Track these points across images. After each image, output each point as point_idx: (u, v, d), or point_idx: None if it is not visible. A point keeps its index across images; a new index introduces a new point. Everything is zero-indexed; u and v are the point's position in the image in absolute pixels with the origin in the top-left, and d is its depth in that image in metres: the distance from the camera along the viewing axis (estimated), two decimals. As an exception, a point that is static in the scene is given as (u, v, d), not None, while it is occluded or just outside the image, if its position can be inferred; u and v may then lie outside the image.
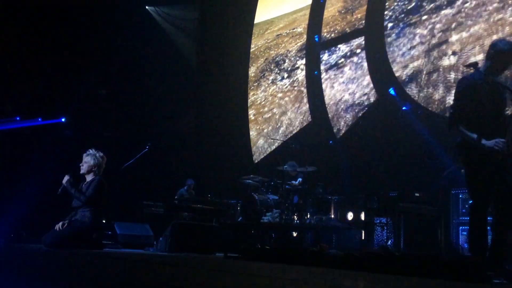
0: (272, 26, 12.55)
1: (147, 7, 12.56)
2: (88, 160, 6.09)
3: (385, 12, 9.45)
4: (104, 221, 7.40)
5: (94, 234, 5.98)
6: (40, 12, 10.37)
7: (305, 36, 11.48)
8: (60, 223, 5.85)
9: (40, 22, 10.38)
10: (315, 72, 10.63)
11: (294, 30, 11.92)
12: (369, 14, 9.69)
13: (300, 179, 8.67)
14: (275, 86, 11.91)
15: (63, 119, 10.79)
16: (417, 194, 7.11)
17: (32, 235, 7.36)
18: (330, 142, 9.82)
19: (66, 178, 5.99)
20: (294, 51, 11.76)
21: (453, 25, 8.26)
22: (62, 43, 10.64)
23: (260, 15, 12.65)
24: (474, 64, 4.30)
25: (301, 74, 11.42)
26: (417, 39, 8.84)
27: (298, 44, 11.72)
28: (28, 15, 10.13)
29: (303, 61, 11.39)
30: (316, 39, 10.85)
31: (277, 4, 12.42)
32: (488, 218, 4.25)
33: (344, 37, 10.15)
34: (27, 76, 10.27)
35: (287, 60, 11.91)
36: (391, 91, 8.86)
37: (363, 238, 7.67)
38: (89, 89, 11.29)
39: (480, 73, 4.25)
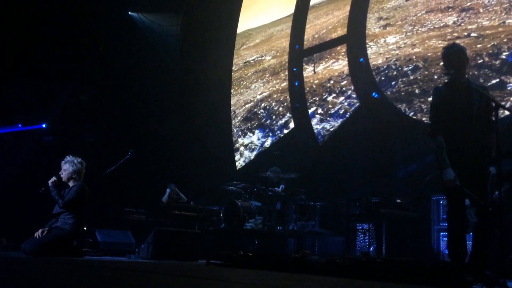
0: (248, 41, 12.52)
1: (130, 13, 12.50)
2: (67, 168, 6.04)
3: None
4: (85, 228, 7.34)
5: (74, 241, 5.92)
6: (21, 17, 10.27)
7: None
8: (40, 231, 5.79)
9: (20, 27, 10.27)
10: (296, 83, 10.67)
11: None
12: (351, 21, 9.78)
13: (283, 186, 8.68)
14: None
15: (44, 125, 10.68)
16: (398, 200, 7.18)
17: (12, 242, 7.26)
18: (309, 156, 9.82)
19: (52, 178, 5.96)
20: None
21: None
22: (43, 49, 10.54)
23: (242, 24, 12.65)
24: (451, 73, 4.38)
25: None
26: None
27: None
28: (8, 21, 10.02)
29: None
30: (297, 47, 10.92)
31: (259, 13, 12.42)
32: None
33: (326, 45, 10.22)
34: (7, 81, 10.15)
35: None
36: (375, 95, 8.95)
37: (345, 244, 7.71)
38: (70, 95, 11.20)
39: (451, 81, 4.37)
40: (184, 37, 13.14)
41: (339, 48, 10.00)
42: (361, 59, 9.41)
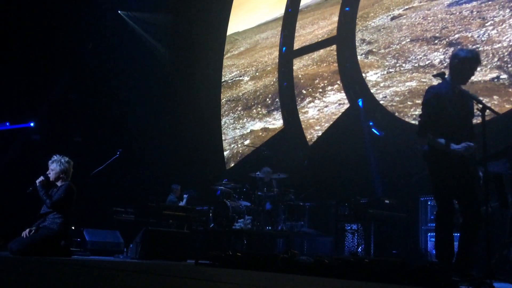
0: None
1: (119, 11, 12.44)
2: (54, 167, 6.00)
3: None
4: (73, 228, 7.29)
5: (62, 241, 5.88)
6: (9, 15, 10.18)
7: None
8: (27, 230, 5.75)
9: (9, 24, 10.18)
10: (284, 84, 10.69)
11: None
12: (341, 23, 9.80)
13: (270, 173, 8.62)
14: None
15: (31, 124, 10.59)
16: (387, 201, 7.22)
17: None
18: (301, 153, 9.82)
19: (40, 178, 5.91)
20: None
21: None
22: (32, 46, 10.46)
23: (230, 25, 12.61)
24: (442, 74, 4.41)
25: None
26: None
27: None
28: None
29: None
30: (283, 50, 10.94)
31: (247, 14, 12.37)
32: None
33: (316, 46, 10.24)
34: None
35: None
36: (359, 103, 8.89)
37: (334, 244, 7.74)
38: (59, 93, 11.12)
39: (447, 83, 4.37)
40: (174, 35, 13.11)
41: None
42: (347, 65, 9.40)
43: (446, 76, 4.39)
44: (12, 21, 10.23)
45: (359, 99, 8.93)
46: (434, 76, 4.49)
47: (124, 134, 11.18)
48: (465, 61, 4.32)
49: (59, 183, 6.02)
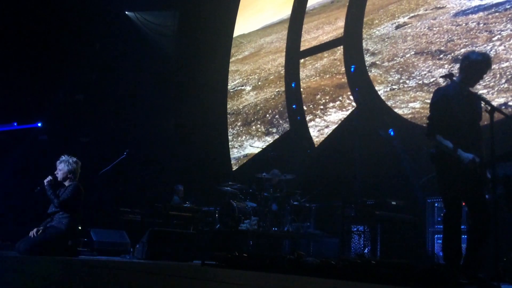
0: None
1: (126, 12, 12.48)
2: (62, 168, 6.03)
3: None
4: (80, 228, 7.32)
5: (69, 241, 5.90)
6: (16, 15, 10.23)
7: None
8: (35, 230, 5.77)
9: (16, 25, 10.24)
10: (292, 85, 10.66)
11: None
12: (348, 23, 9.78)
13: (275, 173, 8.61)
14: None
15: (39, 124, 10.64)
16: (393, 203, 7.19)
17: (6, 241, 7.24)
18: (308, 151, 9.83)
19: (48, 178, 5.95)
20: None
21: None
22: (40, 47, 10.51)
23: (237, 26, 12.60)
24: (450, 75, 4.38)
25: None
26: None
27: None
28: (3, 20, 9.98)
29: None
30: (291, 50, 10.91)
31: (254, 16, 12.34)
32: (463, 227, 4.33)
33: (323, 46, 10.22)
34: (3, 79, 10.11)
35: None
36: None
37: (340, 246, 7.71)
38: (66, 94, 11.17)
39: (455, 84, 4.34)
40: (180, 36, 13.13)
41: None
42: (352, 69, 9.35)
43: (454, 78, 4.37)
44: (19, 22, 10.28)
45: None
46: (442, 77, 4.47)
47: (131, 134, 11.20)
48: (475, 64, 4.30)
49: (66, 183, 6.05)
